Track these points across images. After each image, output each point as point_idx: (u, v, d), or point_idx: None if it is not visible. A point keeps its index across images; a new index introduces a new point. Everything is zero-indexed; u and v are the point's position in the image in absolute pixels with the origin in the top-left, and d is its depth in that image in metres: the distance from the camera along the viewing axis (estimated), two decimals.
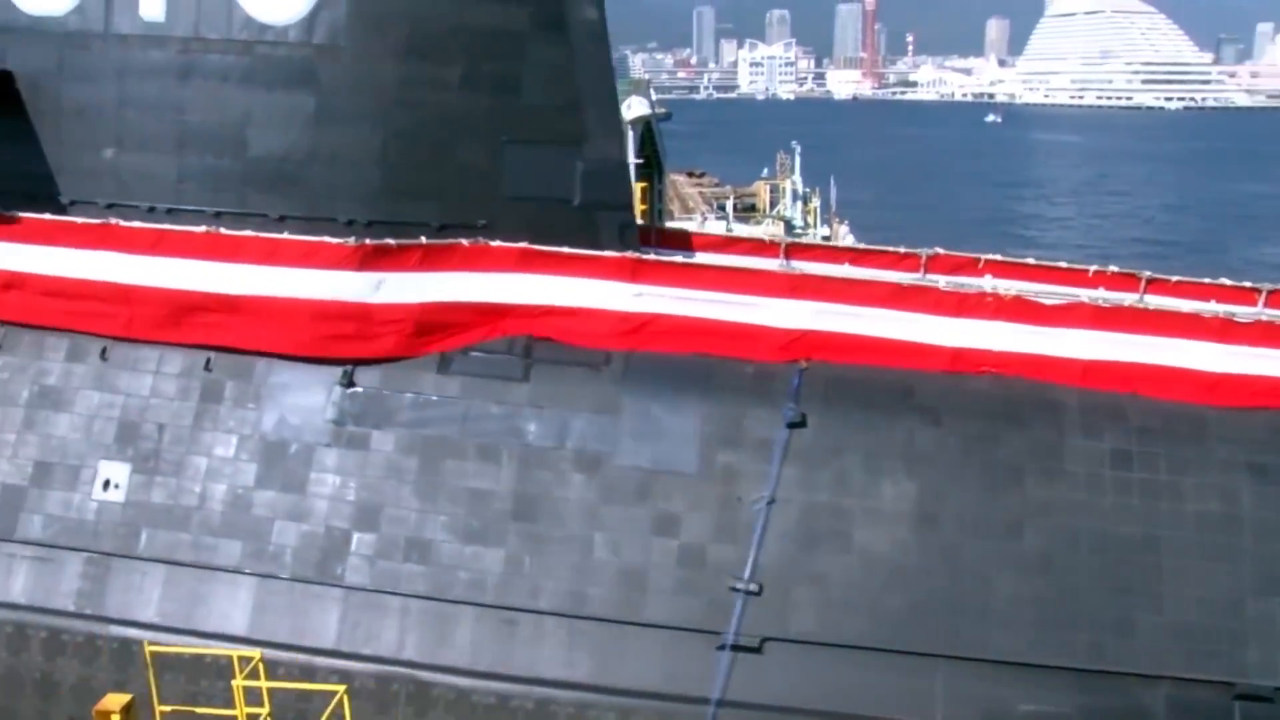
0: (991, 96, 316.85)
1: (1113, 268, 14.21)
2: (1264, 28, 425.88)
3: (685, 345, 11.82)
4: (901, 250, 14.46)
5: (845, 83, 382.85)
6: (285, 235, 11.64)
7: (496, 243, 11.85)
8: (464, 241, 11.81)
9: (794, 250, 14.58)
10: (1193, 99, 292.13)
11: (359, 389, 11.61)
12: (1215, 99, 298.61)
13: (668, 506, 11.18)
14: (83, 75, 12.14)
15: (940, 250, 14.31)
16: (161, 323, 11.77)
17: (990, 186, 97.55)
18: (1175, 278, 14.16)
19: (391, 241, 11.59)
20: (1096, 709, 10.68)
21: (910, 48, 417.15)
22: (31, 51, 12.16)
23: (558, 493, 11.23)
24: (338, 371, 11.65)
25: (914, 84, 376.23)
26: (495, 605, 10.89)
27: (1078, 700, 10.68)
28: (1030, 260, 14.58)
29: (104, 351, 11.91)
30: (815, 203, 38.68)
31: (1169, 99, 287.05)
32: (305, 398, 11.63)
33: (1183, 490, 11.24)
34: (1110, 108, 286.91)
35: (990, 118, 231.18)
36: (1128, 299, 12.86)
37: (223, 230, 11.59)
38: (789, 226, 33.80)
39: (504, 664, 10.82)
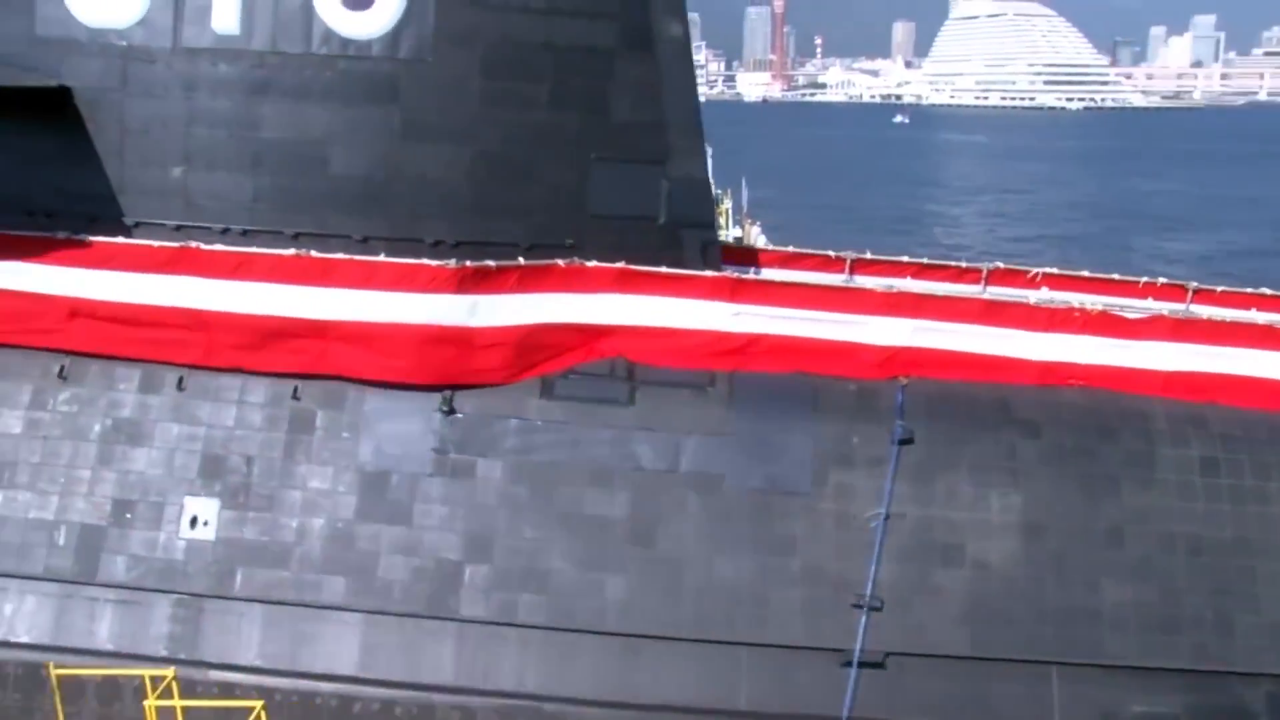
0: (899, 98, 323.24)
1: (1161, 279, 14.60)
2: (1157, 31, 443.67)
3: (785, 365, 11.69)
4: (963, 264, 14.68)
5: (755, 85, 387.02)
6: (381, 257, 11.16)
7: (592, 263, 11.56)
8: (560, 262, 11.48)
9: (857, 265, 14.58)
10: (1092, 99, 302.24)
11: (460, 415, 11.21)
12: (1113, 99, 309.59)
13: (785, 527, 11.04)
14: (149, 90, 11.45)
15: (1000, 264, 14.52)
16: (244, 350, 11.19)
17: (898, 185, 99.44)
18: (1220, 288, 14.73)
19: (491, 263, 11.20)
20: (1202, 707, 10.89)
21: (819, 50, 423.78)
22: (92, 65, 11.45)
23: (674, 516, 10.99)
24: (436, 398, 11.23)
25: (823, 86, 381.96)
26: (618, 633, 10.60)
27: (1184, 700, 10.89)
28: (1085, 273, 14.93)
29: (180, 381, 11.29)
30: (727, 204, 38.03)
31: (1070, 99, 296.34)
32: (404, 426, 11.17)
33: (1269, 494, 11.53)
34: (1014, 108, 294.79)
35: (898, 119, 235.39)
36: (1182, 309, 13.26)
37: (313, 253, 11.07)
38: None
39: (630, 692, 10.54)
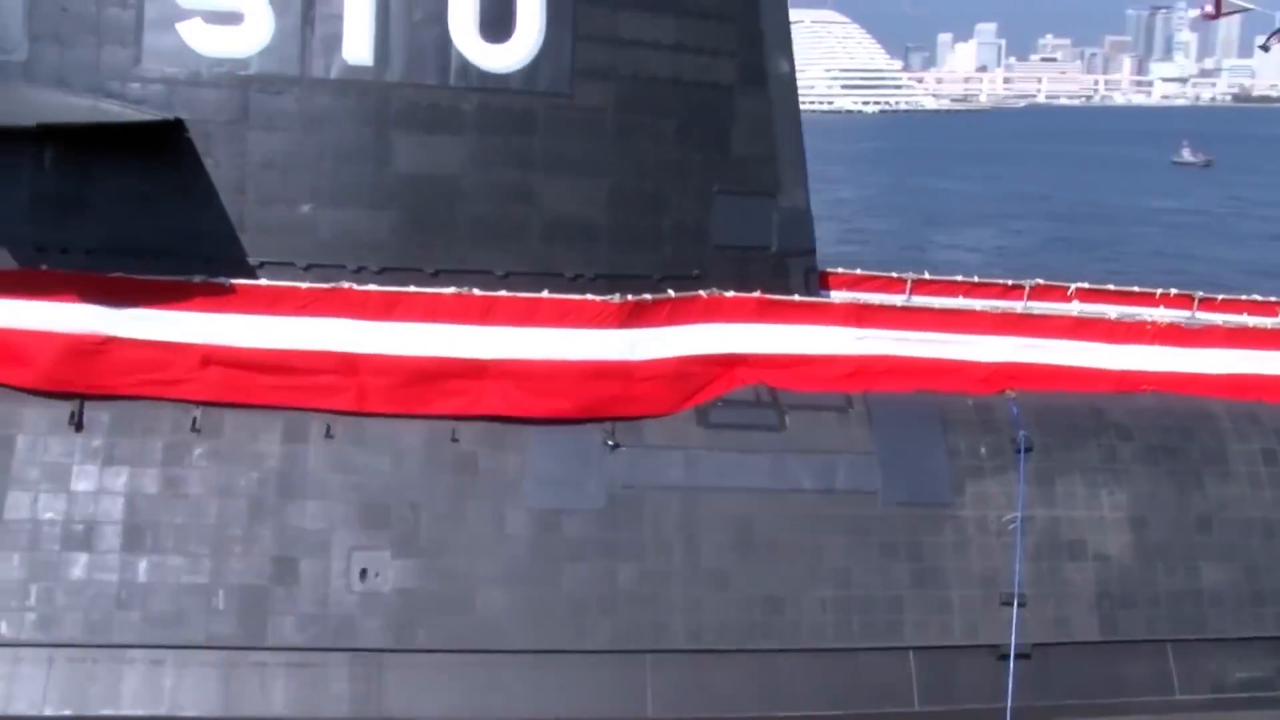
0: None
1: (1174, 290, 16.12)
2: (944, 38, 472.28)
3: (905, 384, 12.27)
4: (1009, 282, 15.78)
5: None
6: (544, 294, 11.05)
7: (730, 293, 11.83)
8: (702, 293, 11.69)
9: (916, 285, 15.42)
10: (887, 103, 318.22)
11: (625, 449, 11.24)
12: (906, 103, 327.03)
13: (935, 535, 11.62)
14: (274, 123, 10.93)
15: (1040, 281, 15.70)
16: (398, 394, 10.88)
17: None
18: (1220, 296, 16.53)
19: (647, 297, 11.31)
20: None
21: None
22: (209, 97, 10.84)
23: (837, 533, 11.39)
24: (598, 433, 11.22)
25: None
26: (818, 648, 10.94)
27: (1276, 664, 12.11)
28: (1110, 286, 16.31)
29: (329, 429, 10.85)
30: None
31: (866, 103, 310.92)
32: (570, 463, 11.11)
33: None
34: (814, 112, 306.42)
35: None
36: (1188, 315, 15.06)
37: (475, 291, 10.87)
38: None
39: (839, 702, 10.90)
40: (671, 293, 11.55)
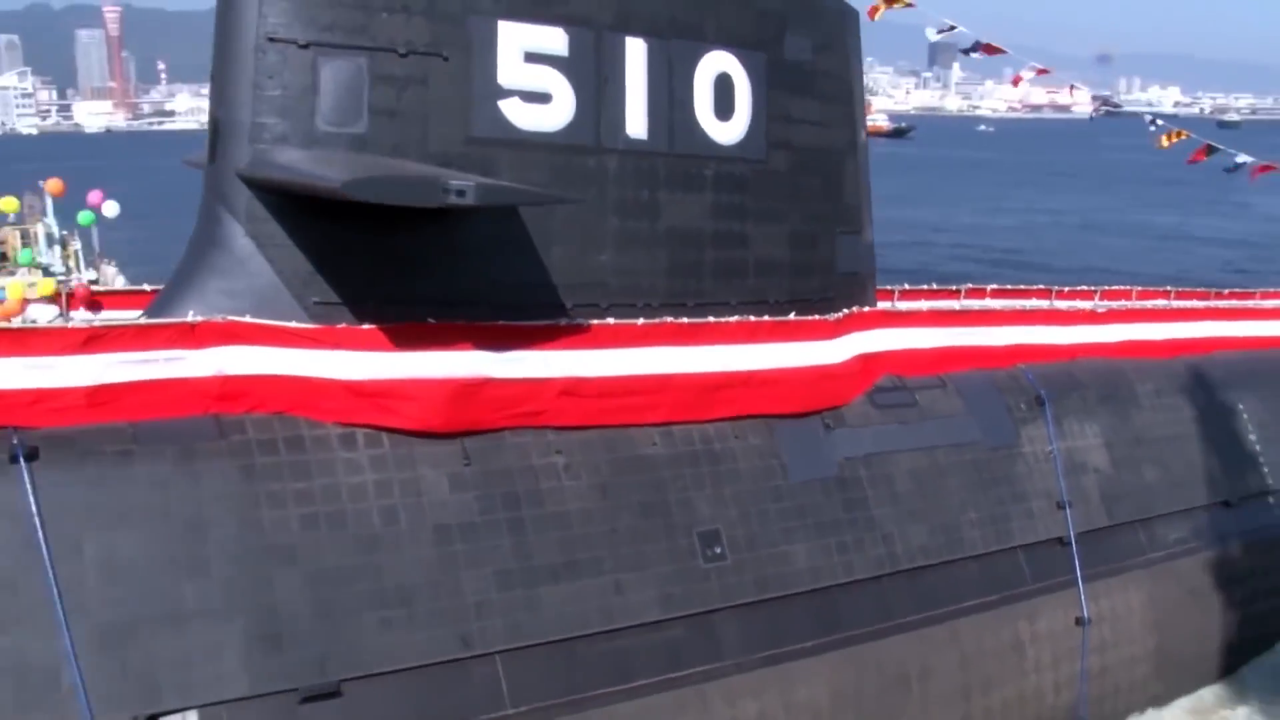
0: None
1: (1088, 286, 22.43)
2: None
3: (960, 365, 16.74)
4: (1016, 286, 22.15)
5: (96, 114, 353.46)
6: (766, 318, 14.37)
7: (868, 308, 15.90)
8: (853, 310, 15.56)
9: (970, 293, 21.04)
10: None
11: (835, 429, 14.81)
12: None
13: (1011, 465, 16.37)
14: (576, 186, 13.05)
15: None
16: (693, 405, 13.64)
17: None
18: (1117, 286, 22.81)
19: (846, 312, 15.00)
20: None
21: (163, 76, 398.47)
22: (525, 164, 12.79)
23: (968, 471, 15.81)
24: (818, 420, 14.71)
25: (172, 114, 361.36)
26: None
27: (1191, 525, 18.25)
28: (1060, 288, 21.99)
29: (654, 439, 13.39)
30: (76, 245, 34.54)
31: None
32: (810, 443, 14.48)
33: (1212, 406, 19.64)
34: None
35: None
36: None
37: (750, 318, 13.92)
38: (47, 272, 28.81)
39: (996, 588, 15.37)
40: (845, 311, 15.32)
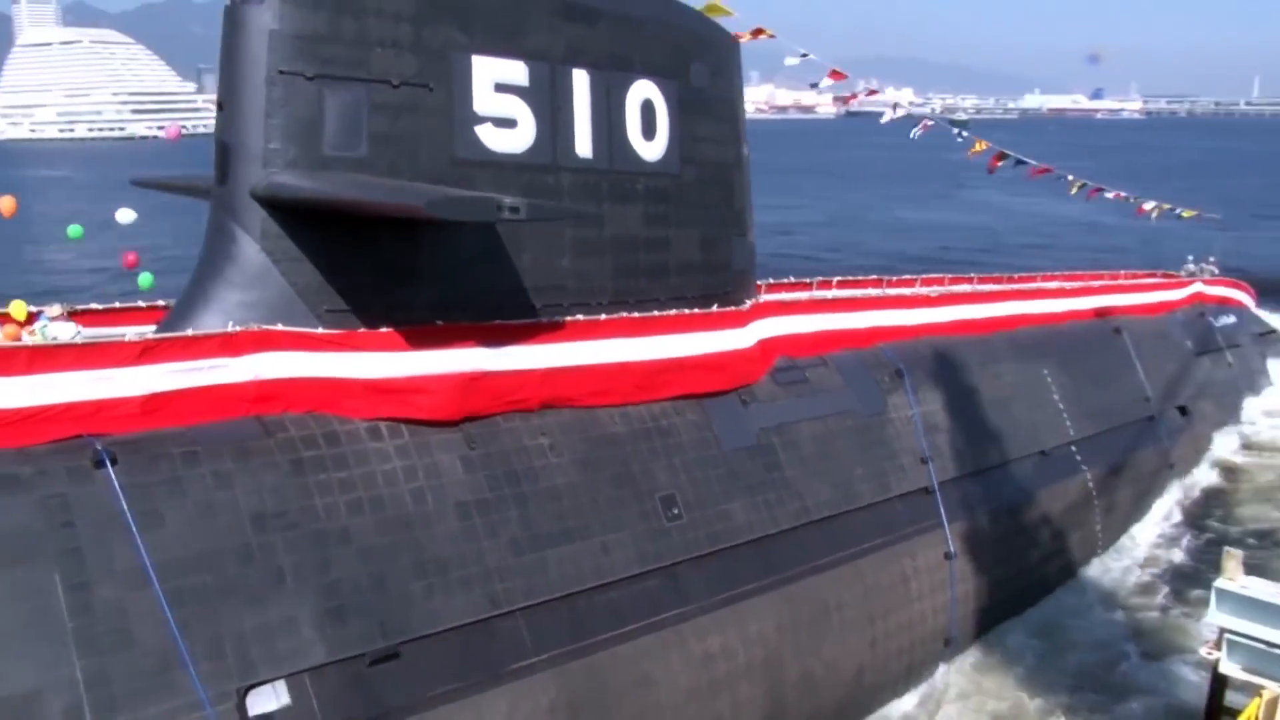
0: None
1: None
2: None
3: (832, 346, 19.59)
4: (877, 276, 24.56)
5: None
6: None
7: (761, 300, 18.51)
8: (750, 301, 18.27)
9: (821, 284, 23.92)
10: (184, 126, 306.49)
11: (750, 404, 17.29)
12: (205, 125, 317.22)
13: (883, 430, 19.42)
14: (542, 199, 14.78)
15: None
16: (644, 387, 15.67)
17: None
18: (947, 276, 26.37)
19: (750, 303, 17.68)
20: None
21: None
22: (499, 182, 14.36)
23: (852, 433, 18.72)
24: (736, 397, 17.10)
25: None
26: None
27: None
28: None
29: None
30: None
31: (161, 127, 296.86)
32: (733, 418, 16.92)
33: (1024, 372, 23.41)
34: (104, 139, 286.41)
35: None
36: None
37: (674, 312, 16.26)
38: None
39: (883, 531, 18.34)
40: (749, 303, 17.78)
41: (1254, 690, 12.42)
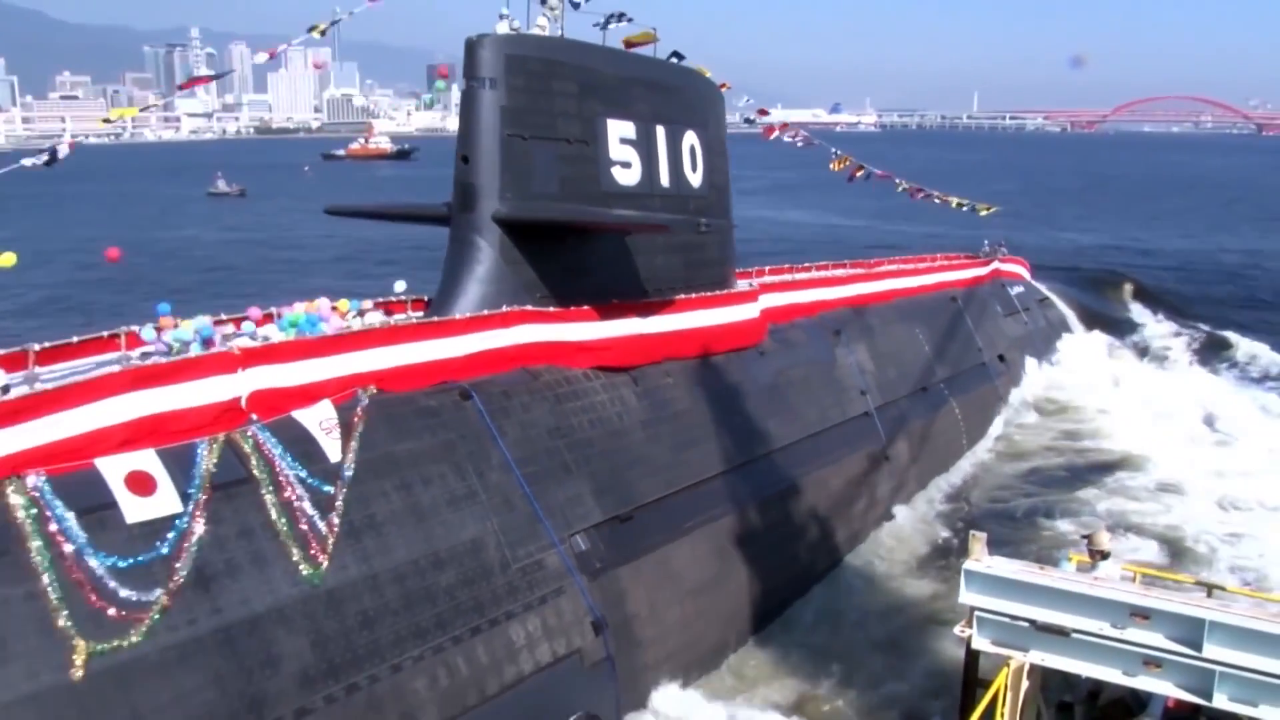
0: None
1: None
2: None
3: (788, 316, 27.38)
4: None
5: None
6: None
7: (759, 283, 26.01)
8: (754, 285, 25.69)
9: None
10: None
11: (763, 356, 24.84)
12: None
13: (835, 373, 27.41)
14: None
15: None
16: (703, 344, 22.70)
17: None
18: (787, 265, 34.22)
19: (751, 286, 25.28)
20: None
21: None
22: (625, 207, 21.11)
23: (810, 381, 26.42)
24: (755, 350, 24.58)
25: None
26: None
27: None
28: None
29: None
30: None
31: None
32: (757, 365, 24.43)
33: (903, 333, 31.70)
34: None
35: None
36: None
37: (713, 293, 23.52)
38: None
39: (826, 457, 26.29)
40: (750, 285, 25.31)
41: (1003, 661, 12.43)
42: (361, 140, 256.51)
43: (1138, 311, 55.95)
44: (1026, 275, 47.98)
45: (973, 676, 12.97)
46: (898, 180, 35.27)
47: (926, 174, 64.65)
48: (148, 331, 15.28)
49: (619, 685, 16.66)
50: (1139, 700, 12.75)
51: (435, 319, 17.49)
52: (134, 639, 11.42)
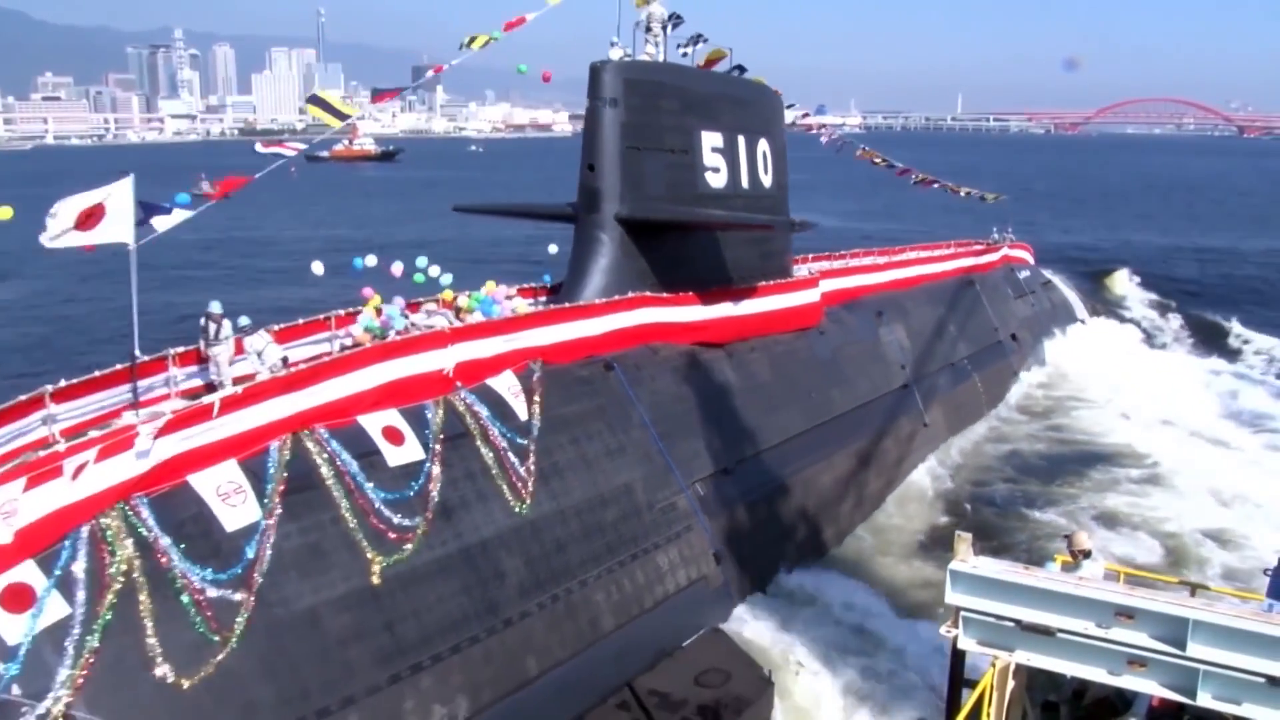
0: None
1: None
2: None
3: (839, 300, 30.62)
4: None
5: None
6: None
7: (818, 270, 30.16)
8: (815, 272, 29.74)
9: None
10: None
11: (823, 334, 28.50)
12: None
13: (880, 348, 31.19)
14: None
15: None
16: (777, 323, 26.38)
17: None
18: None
19: (812, 273, 29.79)
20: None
21: None
22: (716, 207, 24.58)
23: (849, 356, 30.25)
24: (816, 330, 28.36)
25: None
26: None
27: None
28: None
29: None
30: None
31: None
32: (819, 342, 28.24)
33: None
34: None
35: None
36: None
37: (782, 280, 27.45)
38: None
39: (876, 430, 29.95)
40: (811, 272, 29.69)
41: (989, 661, 12.31)
42: (345, 142, 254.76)
43: (1133, 296, 60.83)
44: (1031, 260, 51.54)
45: (959, 676, 12.96)
46: (915, 173, 37.90)
47: (894, 189, 66.16)
48: (367, 314, 19.00)
49: (733, 603, 19.99)
50: (1124, 699, 12.81)
51: (581, 303, 20.87)
52: (406, 555, 14.49)
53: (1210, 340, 50.79)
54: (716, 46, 26.04)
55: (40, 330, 49.44)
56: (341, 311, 19.02)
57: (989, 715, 12.06)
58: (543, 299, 23.19)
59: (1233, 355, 48.52)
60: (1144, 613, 11.53)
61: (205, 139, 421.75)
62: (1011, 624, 12.23)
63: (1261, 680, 10.90)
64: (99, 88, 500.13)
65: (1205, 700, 11.22)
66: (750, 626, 19.26)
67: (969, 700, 11.93)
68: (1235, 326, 51.99)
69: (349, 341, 18.06)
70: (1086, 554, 13.26)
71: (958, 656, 12.87)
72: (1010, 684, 12.53)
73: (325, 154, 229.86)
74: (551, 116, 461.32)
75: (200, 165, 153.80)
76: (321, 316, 18.92)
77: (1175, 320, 54.99)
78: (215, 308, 16.96)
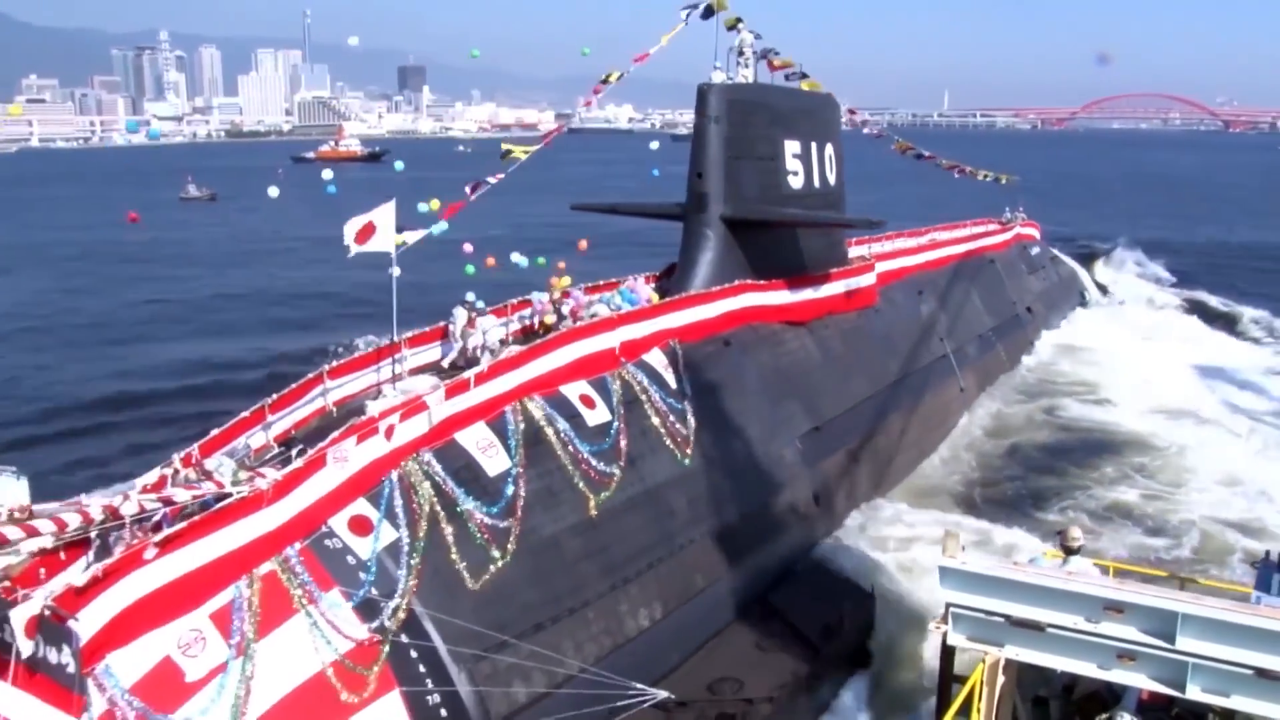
0: None
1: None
2: None
3: (890, 280, 34.16)
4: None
5: None
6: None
7: (872, 256, 34.29)
8: (869, 257, 33.72)
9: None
10: None
11: (881, 312, 32.52)
12: None
13: (920, 323, 35.34)
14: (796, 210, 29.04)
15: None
16: (840, 304, 30.29)
17: None
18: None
19: (867, 258, 33.66)
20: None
21: None
22: (798, 206, 28.70)
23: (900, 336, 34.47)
24: (874, 309, 32.34)
25: None
26: None
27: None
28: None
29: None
30: None
31: None
32: (877, 319, 32.39)
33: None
34: None
35: None
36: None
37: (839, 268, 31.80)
38: None
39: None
40: (865, 258, 33.82)
41: (979, 656, 12.45)
42: (331, 143, 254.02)
43: (1131, 273, 66.46)
44: (1038, 237, 55.89)
45: (949, 672, 13.05)
46: (941, 160, 40.48)
47: (907, 174, 69.24)
48: (538, 295, 23.25)
49: (829, 533, 24.16)
50: (1114, 693, 12.81)
51: (700, 291, 24.68)
52: (610, 495, 17.97)
53: (1212, 321, 54.71)
54: (785, 57, 30.16)
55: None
56: (515, 299, 23.25)
57: (979, 710, 11.98)
58: (650, 286, 27.14)
59: (1240, 335, 52.65)
60: (1133, 607, 11.59)
61: (191, 141, 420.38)
62: (1001, 619, 12.21)
63: (1250, 672, 10.87)
64: (84, 90, 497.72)
65: (1194, 693, 11.26)
66: (845, 553, 23.33)
67: (959, 695, 11.99)
68: (1247, 311, 56.10)
69: (533, 322, 22.86)
70: (1076, 550, 13.30)
71: (948, 652, 12.96)
72: (1000, 679, 12.53)
73: (311, 155, 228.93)
74: (537, 116, 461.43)
75: (187, 168, 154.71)
76: (502, 304, 22.90)
77: (1173, 298, 60.09)
78: (470, 297, 21.31)
